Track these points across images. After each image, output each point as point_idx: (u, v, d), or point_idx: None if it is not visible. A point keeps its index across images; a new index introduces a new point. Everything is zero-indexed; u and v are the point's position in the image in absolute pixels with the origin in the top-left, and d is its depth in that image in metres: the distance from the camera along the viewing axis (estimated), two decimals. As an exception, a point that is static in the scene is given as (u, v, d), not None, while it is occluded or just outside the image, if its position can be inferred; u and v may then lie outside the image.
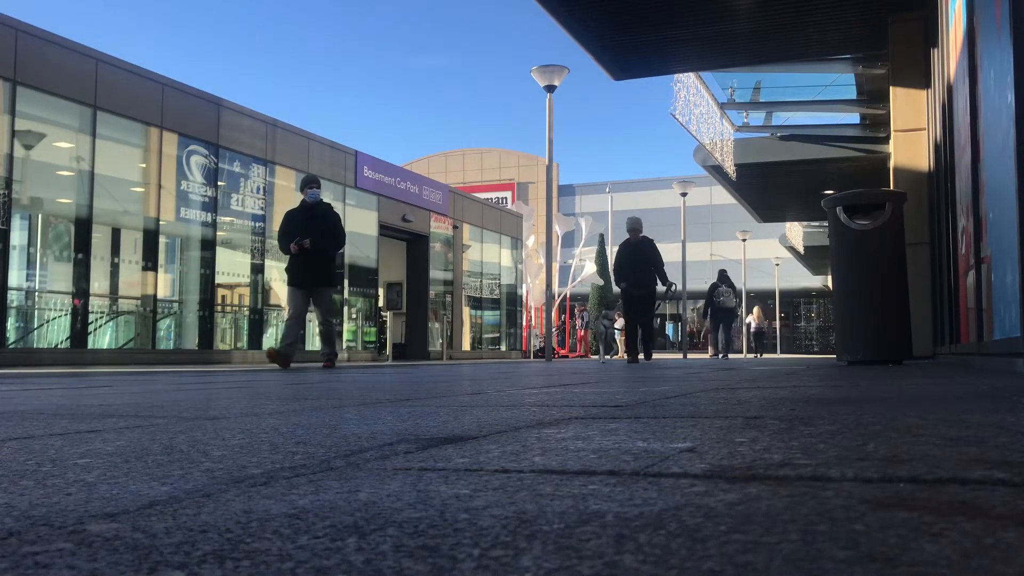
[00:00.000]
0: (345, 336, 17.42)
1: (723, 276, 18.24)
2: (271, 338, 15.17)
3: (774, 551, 0.62)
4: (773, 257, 41.07)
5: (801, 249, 30.41)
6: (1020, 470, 0.99)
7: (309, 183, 8.79)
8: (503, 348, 23.65)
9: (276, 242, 16.19)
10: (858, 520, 0.72)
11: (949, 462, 1.06)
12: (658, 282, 11.13)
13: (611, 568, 0.59)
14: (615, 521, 0.74)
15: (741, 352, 24.99)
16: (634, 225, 11.37)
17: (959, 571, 0.56)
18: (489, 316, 23.61)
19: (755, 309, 29.76)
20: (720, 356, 17.86)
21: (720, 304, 17.79)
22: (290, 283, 8.65)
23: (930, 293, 9.32)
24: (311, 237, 8.32)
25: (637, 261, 11.03)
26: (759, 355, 25.26)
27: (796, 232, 29.69)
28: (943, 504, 0.79)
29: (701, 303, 49.65)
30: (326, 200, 9.07)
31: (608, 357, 10.96)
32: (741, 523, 0.72)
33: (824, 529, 0.69)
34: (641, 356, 11.07)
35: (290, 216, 8.89)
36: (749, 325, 29.02)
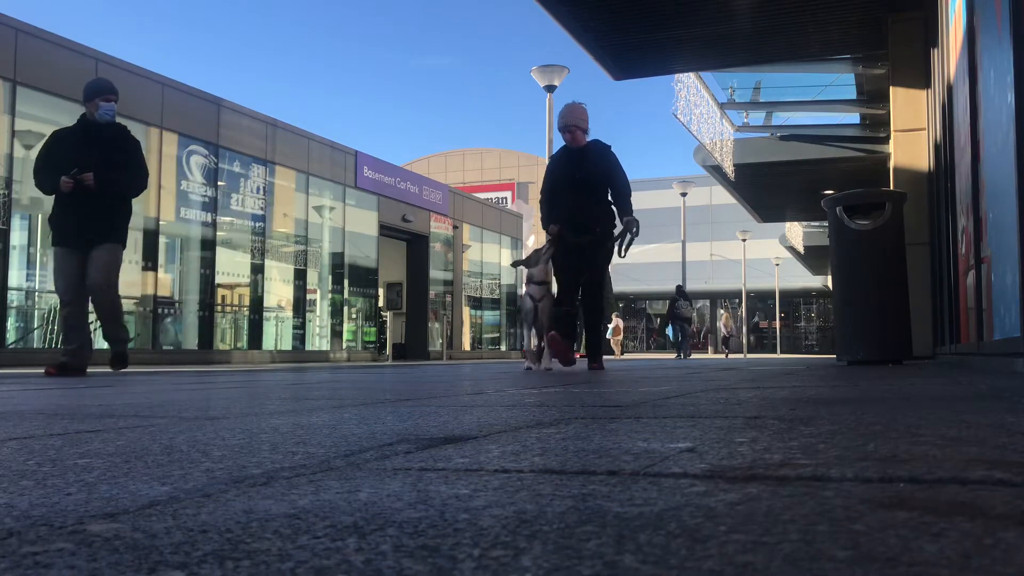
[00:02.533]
0: (345, 336, 17.43)
1: (680, 291, 22.09)
2: (271, 338, 15.18)
3: (774, 551, 0.62)
4: (773, 257, 41.09)
5: (801, 249, 30.44)
6: (1020, 470, 0.99)
7: (103, 91, 5.73)
8: (503, 348, 23.66)
9: (275, 242, 16.18)
10: (858, 520, 0.72)
11: (949, 462, 1.06)
12: (616, 221, 6.24)
13: (611, 568, 0.59)
14: (615, 521, 0.74)
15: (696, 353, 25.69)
16: (573, 120, 6.19)
17: (959, 571, 0.56)
18: (489, 316, 23.63)
19: (723, 315, 31.19)
20: (681, 356, 20.69)
21: (679, 313, 21.78)
22: (56, 241, 5.68)
23: (930, 293, 9.32)
24: (96, 169, 5.50)
25: (580, 182, 6.11)
26: (727, 355, 27.03)
27: (796, 232, 29.72)
28: (943, 504, 0.79)
29: (702, 302, 50.08)
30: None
31: (539, 365, 6.16)
32: (741, 523, 0.72)
33: (824, 529, 0.69)
34: (579, 356, 6.88)
35: (59, 138, 5.76)
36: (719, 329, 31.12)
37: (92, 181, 5.46)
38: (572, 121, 6.22)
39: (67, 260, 5.57)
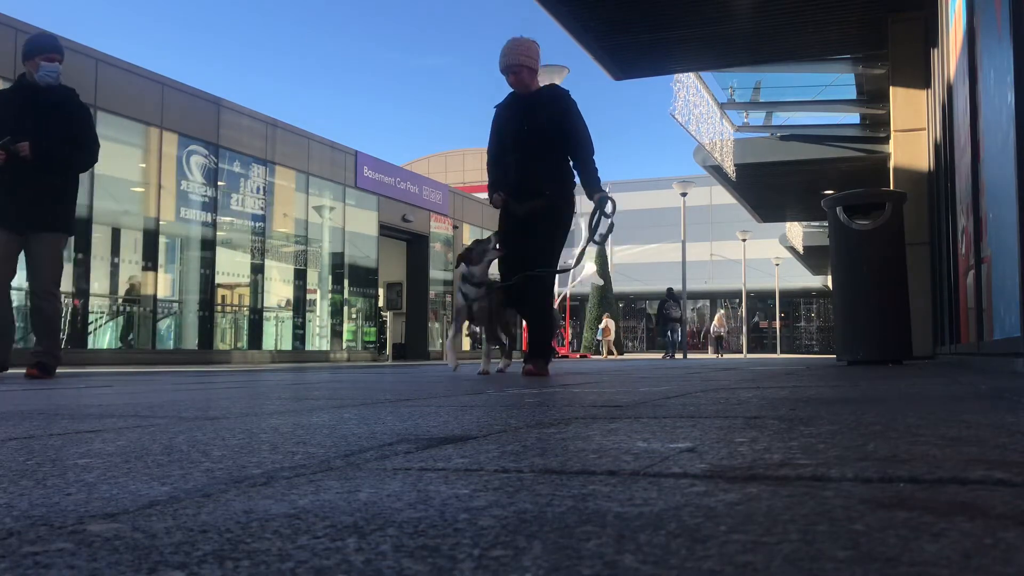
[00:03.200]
0: (345, 336, 17.43)
1: (671, 293, 23.61)
2: (271, 338, 15.19)
3: (774, 551, 0.62)
4: (773, 257, 41.13)
5: (801, 249, 30.47)
6: (1020, 470, 0.99)
7: (44, 49, 4.97)
8: (503, 348, 23.66)
9: (275, 242, 16.21)
10: (858, 520, 0.72)
11: (949, 462, 1.06)
12: (572, 188, 5.04)
13: (611, 568, 0.59)
14: (615, 521, 0.74)
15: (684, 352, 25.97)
16: (515, 58, 4.92)
17: (959, 571, 0.56)
18: (489, 316, 23.62)
19: (717, 315, 32.35)
20: (671, 356, 21.84)
21: (668, 315, 23.45)
22: None
23: (930, 293, 9.32)
24: (34, 138, 4.77)
25: (529, 136, 4.94)
26: (720, 356, 27.76)
27: (796, 232, 29.75)
28: (943, 504, 0.79)
29: (702, 302, 50.23)
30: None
31: (496, 364, 5.48)
32: (741, 523, 0.72)
33: (824, 529, 0.69)
34: (514, 360, 5.72)
35: None
36: (711, 330, 32.48)
37: (28, 151, 4.73)
38: (515, 60, 4.92)
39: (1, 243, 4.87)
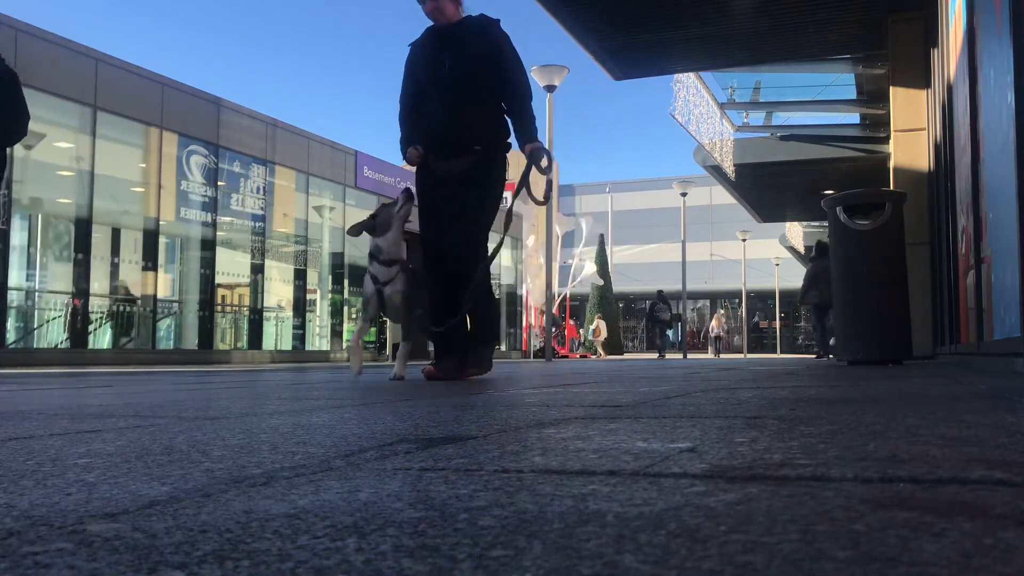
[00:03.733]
0: (345, 336, 17.42)
1: (661, 296, 24.91)
2: (271, 338, 15.18)
3: (774, 551, 0.62)
4: (773, 257, 41.14)
5: (801, 249, 30.49)
6: (1020, 470, 0.99)
7: None
8: (503, 348, 23.65)
9: (275, 242, 16.23)
10: (858, 520, 0.72)
11: (949, 462, 1.06)
12: (509, 140, 4.18)
13: (611, 568, 0.59)
14: (615, 521, 0.74)
15: (679, 353, 26.39)
16: None
17: (959, 571, 0.56)
18: (489, 316, 23.60)
19: (715, 317, 33.47)
20: (659, 356, 22.71)
21: (658, 317, 24.58)
22: None
23: (930, 293, 9.32)
24: None
25: (450, 80, 4.06)
26: (718, 355, 28.65)
27: (796, 232, 29.78)
28: (943, 504, 0.79)
29: (702, 302, 50.40)
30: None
31: (401, 370, 4.02)
32: (741, 523, 0.72)
33: (824, 529, 0.69)
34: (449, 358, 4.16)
35: None
36: (711, 330, 33.57)
37: None
38: None
39: None
